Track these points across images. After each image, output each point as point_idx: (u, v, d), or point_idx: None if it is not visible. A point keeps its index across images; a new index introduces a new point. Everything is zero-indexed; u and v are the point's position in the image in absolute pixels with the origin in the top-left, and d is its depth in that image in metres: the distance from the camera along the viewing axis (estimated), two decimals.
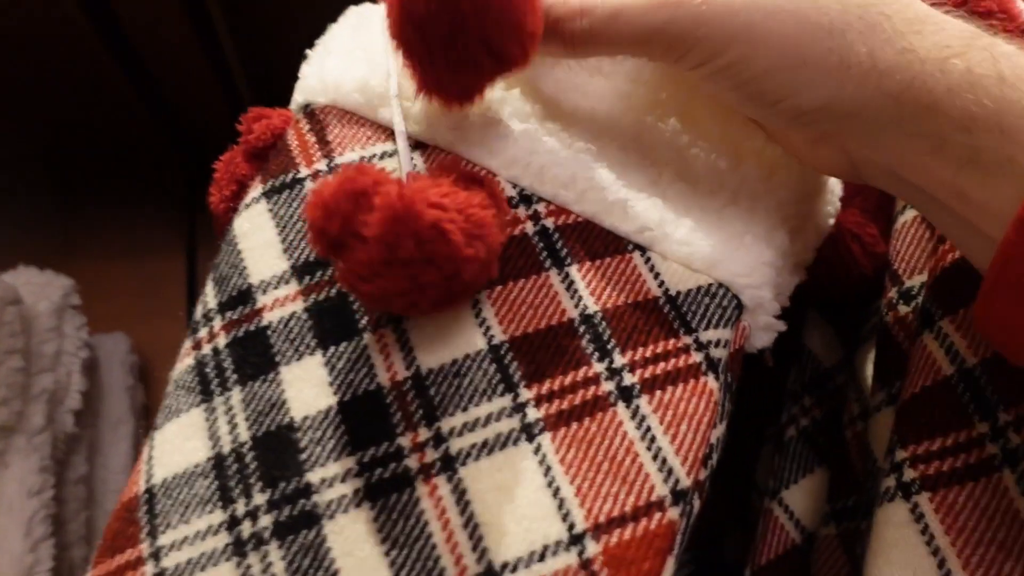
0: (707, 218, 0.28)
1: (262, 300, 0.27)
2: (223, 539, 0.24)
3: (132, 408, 0.62)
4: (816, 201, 0.31)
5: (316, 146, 0.29)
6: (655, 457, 0.24)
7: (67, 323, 0.51)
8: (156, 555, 0.24)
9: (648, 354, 0.25)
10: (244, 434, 0.25)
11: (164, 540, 0.24)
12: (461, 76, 0.25)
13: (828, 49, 0.23)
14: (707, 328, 0.26)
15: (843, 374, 0.36)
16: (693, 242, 0.27)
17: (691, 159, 0.29)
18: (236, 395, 0.26)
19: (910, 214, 0.33)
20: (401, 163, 0.26)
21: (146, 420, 0.63)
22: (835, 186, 0.33)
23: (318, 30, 0.33)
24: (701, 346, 0.26)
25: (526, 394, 0.25)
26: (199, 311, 0.28)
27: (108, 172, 0.66)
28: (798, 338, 0.37)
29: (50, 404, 0.47)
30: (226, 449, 0.25)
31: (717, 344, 0.26)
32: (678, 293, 0.26)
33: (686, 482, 0.24)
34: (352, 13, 0.34)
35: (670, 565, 0.23)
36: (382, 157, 0.29)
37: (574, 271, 0.27)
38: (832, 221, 0.32)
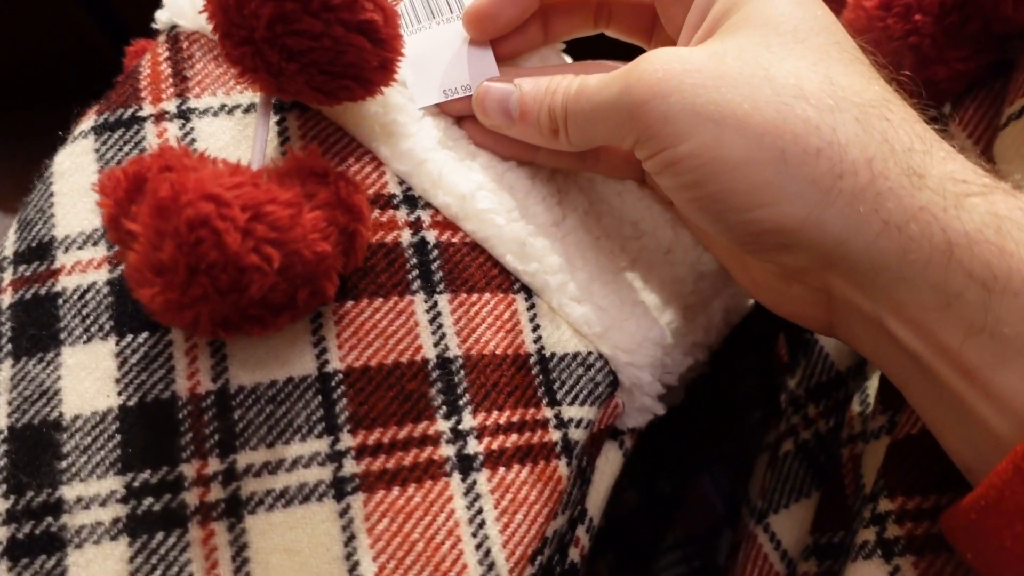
0: (602, 277, 0.23)
1: (62, 259, 0.21)
2: None
3: None
4: (719, 281, 0.26)
5: (170, 80, 0.23)
6: (479, 547, 0.20)
7: None
8: None
9: (502, 420, 0.21)
10: (1, 421, 0.20)
11: None
12: None
13: (816, 149, 0.17)
14: (572, 403, 0.21)
15: (857, 380, 0.29)
16: (585, 300, 0.23)
17: (597, 213, 0.24)
18: (5, 370, 0.21)
19: None
20: (256, 132, 0.20)
21: None
22: None
23: None
24: (561, 423, 0.21)
25: (348, 441, 0.20)
26: None
27: (60, 108, 0.58)
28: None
29: None
30: None
31: (579, 424, 0.21)
32: (552, 355, 0.22)
33: None
34: None
35: None
36: (247, 111, 0.23)
37: (444, 301, 0.22)
38: (751, 302, 0.27)
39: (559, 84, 0.22)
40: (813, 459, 0.27)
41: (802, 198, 0.17)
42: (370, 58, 0.19)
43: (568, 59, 0.27)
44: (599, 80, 0.20)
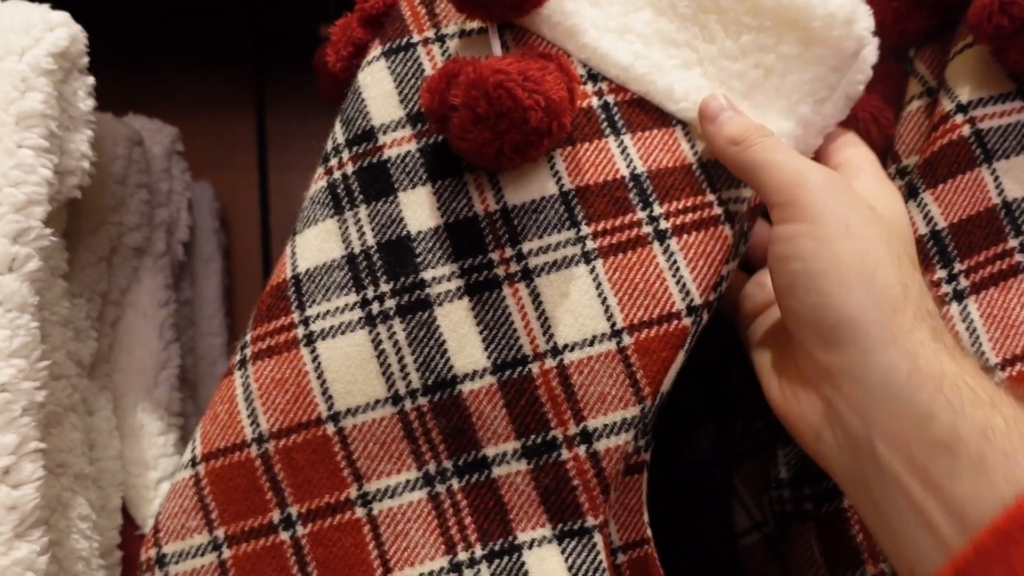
0: (737, 96, 0.30)
1: (382, 139, 0.30)
2: (357, 314, 0.29)
3: (219, 248, 0.65)
4: (847, 72, 0.30)
5: (425, 17, 0.31)
6: (678, 283, 0.28)
7: (175, 166, 0.54)
8: (305, 321, 0.29)
9: (680, 206, 0.29)
10: (371, 240, 0.29)
11: (311, 311, 0.29)
12: None
13: (887, 285, 0.23)
14: (729, 188, 0.30)
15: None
16: None
17: (738, 30, 0.29)
18: (363, 211, 0.30)
19: (916, 104, 0.35)
20: (491, 44, 0.29)
21: (227, 260, 0.66)
22: (868, 56, 0.31)
23: None
24: (722, 202, 0.29)
25: (586, 229, 0.29)
26: (329, 145, 0.31)
27: (173, 29, 0.64)
28: None
29: (167, 234, 0.51)
30: (357, 250, 0.29)
31: (736, 201, 0.30)
32: (709, 161, 0.30)
33: (698, 301, 0.28)
34: None
35: (680, 356, 0.28)
36: (480, 32, 0.31)
37: (627, 139, 0.30)
38: (862, 88, 0.32)
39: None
40: None
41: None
42: None
43: None
44: (791, 166, 0.26)
